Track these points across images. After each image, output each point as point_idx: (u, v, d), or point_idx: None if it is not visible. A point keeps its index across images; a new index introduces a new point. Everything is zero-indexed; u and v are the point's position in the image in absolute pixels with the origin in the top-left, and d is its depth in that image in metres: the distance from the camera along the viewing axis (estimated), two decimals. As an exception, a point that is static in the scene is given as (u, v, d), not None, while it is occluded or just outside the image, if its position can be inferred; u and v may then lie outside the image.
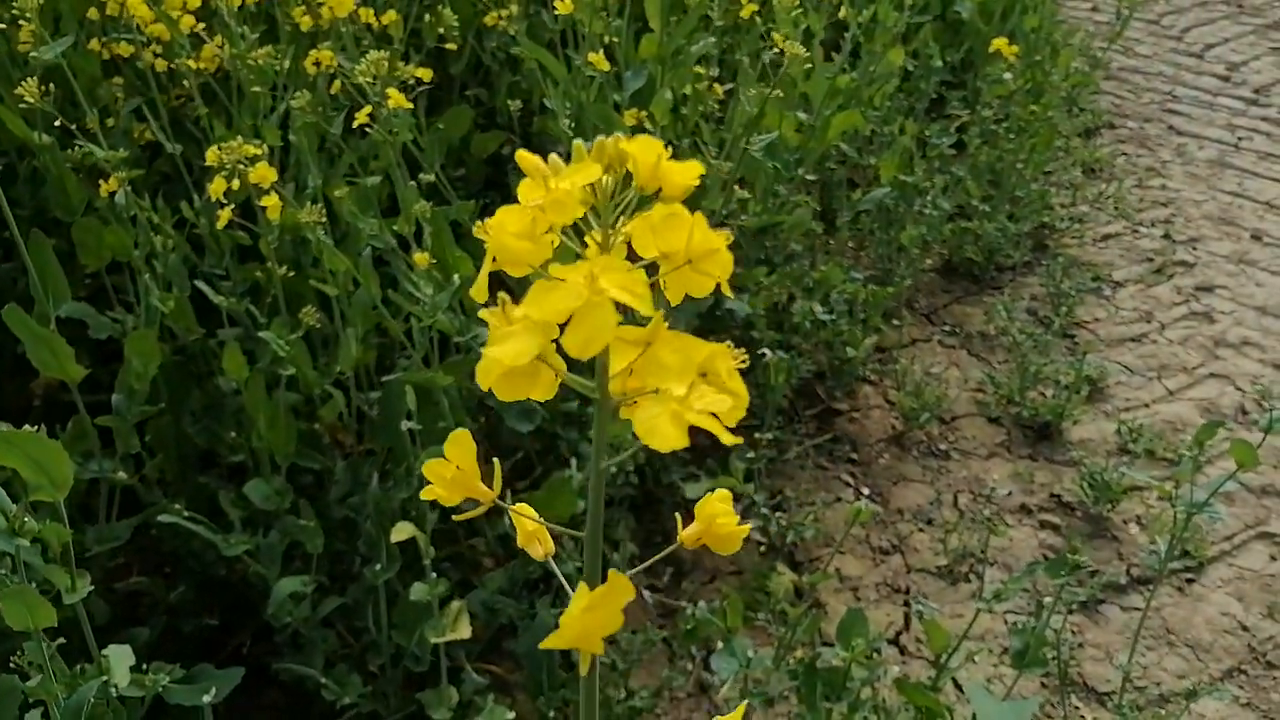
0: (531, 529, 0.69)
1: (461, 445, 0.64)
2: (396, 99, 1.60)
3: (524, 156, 0.56)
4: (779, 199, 2.74)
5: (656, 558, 0.76)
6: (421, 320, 1.69)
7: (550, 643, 0.60)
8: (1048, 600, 1.71)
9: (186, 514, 1.66)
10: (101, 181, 1.89)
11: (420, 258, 1.59)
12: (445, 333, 1.83)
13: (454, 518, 0.66)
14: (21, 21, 1.66)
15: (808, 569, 2.44)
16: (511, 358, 0.52)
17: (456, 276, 1.61)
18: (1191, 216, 3.85)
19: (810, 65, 2.86)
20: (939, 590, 2.43)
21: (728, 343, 0.55)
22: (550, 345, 0.54)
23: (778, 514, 2.50)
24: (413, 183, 1.64)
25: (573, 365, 0.59)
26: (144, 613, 2.03)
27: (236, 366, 1.74)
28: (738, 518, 0.66)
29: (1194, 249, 3.67)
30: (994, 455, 2.84)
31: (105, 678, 1.28)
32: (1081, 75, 3.98)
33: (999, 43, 3.21)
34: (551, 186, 0.54)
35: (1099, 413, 2.96)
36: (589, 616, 0.59)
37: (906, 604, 2.39)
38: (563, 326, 0.52)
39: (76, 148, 1.92)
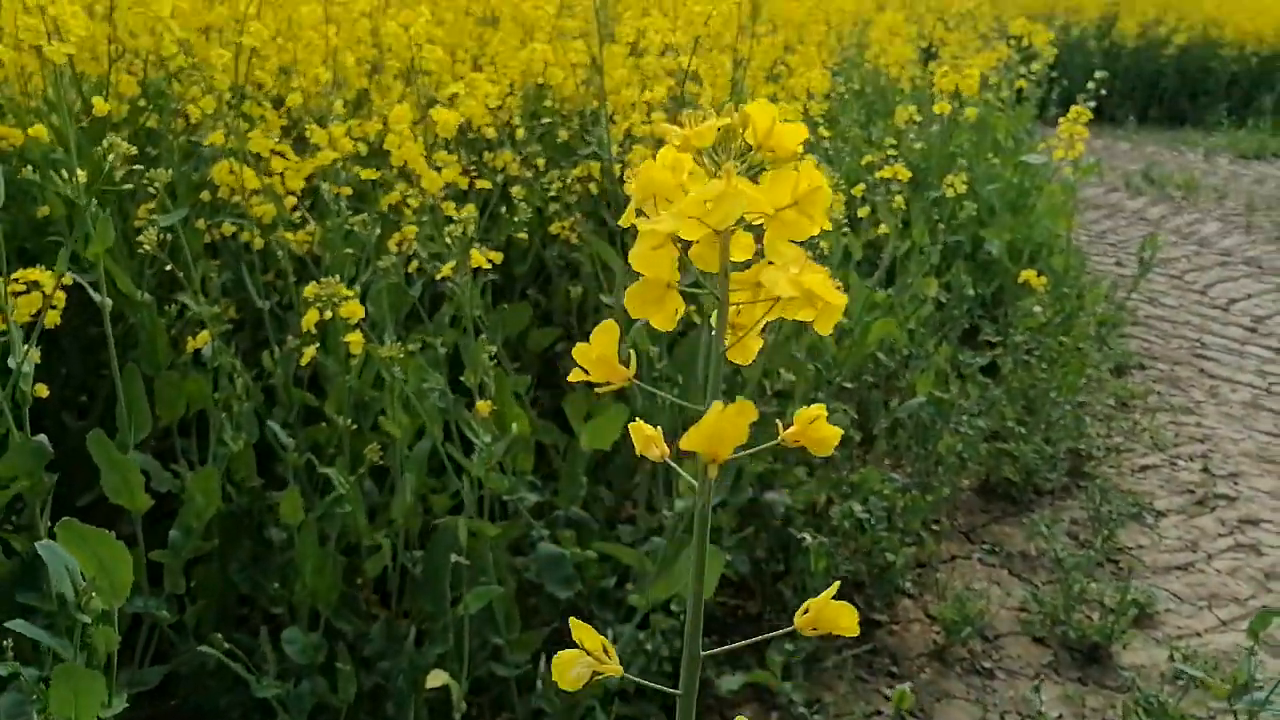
0: (649, 434, 0.77)
1: (607, 333, 0.74)
2: (477, 259, 1.76)
3: (664, 127, 0.69)
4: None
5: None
6: (472, 472, 1.75)
7: (684, 443, 0.69)
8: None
9: (226, 647, 1.66)
10: (189, 338, 2.05)
11: (482, 405, 1.68)
12: (495, 491, 1.89)
13: (596, 391, 0.74)
14: (151, 189, 1.87)
15: (847, 779, 2.31)
16: (667, 227, 0.66)
17: (515, 425, 1.69)
18: (1229, 453, 3.88)
19: (847, 284, 3.05)
20: (988, 812, 2.27)
21: (826, 269, 0.69)
22: (675, 292, 0.68)
23: (816, 718, 2.40)
24: (482, 337, 1.76)
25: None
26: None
27: (293, 510, 1.79)
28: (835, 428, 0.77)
29: (1235, 483, 3.67)
30: (1041, 676, 2.73)
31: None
32: (1109, 314, 4.15)
33: (1028, 274, 3.40)
34: (690, 130, 0.69)
35: (1149, 639, 2.87)
36: (723, 420, 0.69)
37: (953, 824, 2.23)
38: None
39: (172, 306, 2.10)
